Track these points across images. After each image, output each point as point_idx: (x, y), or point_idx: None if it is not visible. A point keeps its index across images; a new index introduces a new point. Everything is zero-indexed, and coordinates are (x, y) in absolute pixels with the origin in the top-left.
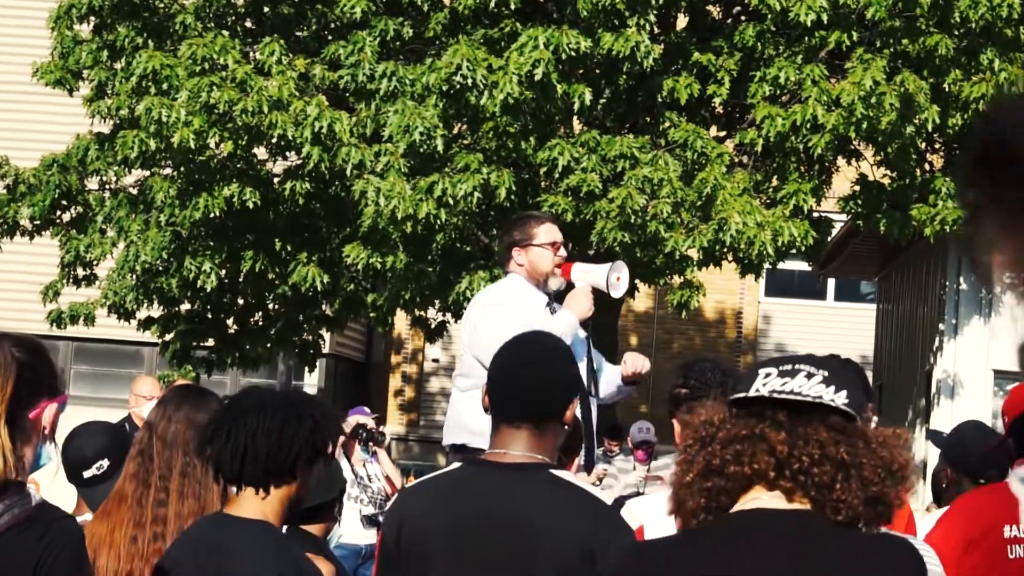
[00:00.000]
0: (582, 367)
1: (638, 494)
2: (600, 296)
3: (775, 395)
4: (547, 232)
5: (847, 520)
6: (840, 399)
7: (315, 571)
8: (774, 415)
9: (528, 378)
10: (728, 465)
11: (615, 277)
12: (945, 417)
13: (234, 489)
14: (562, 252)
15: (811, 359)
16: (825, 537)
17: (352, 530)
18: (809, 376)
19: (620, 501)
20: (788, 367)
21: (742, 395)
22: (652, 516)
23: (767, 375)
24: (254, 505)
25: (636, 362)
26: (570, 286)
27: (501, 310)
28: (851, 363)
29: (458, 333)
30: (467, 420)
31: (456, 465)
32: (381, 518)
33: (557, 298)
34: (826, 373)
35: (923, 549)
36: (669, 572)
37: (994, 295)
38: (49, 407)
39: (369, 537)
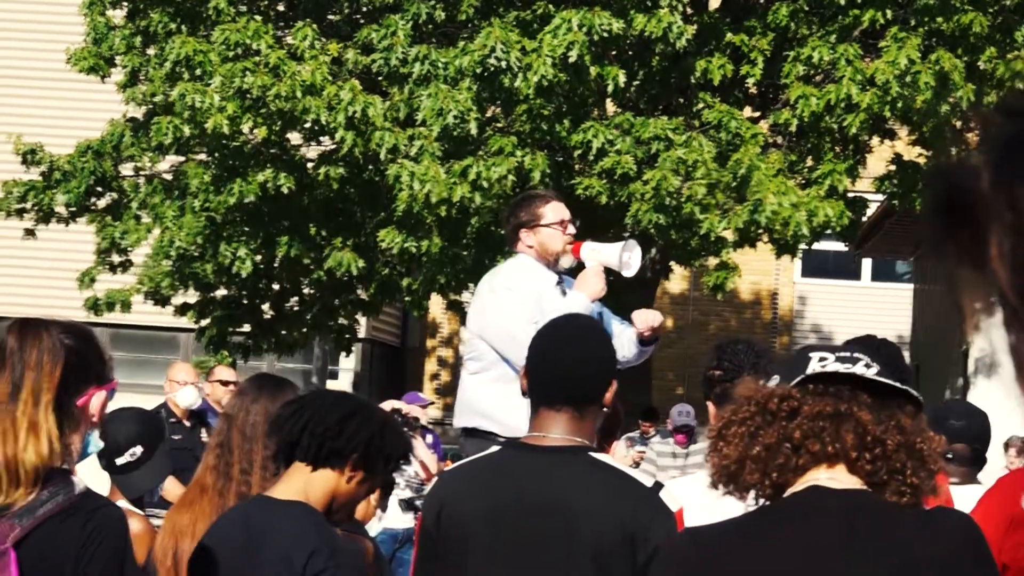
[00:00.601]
0: None
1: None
2: (635, 277)
3: (865, 376)
4: (555, 210)
5: (910, 504)
6: (913, 390)
7: (350, 550)
8: (856, 395)
9: (568, 361)
10: (809, 440)
11: (627, 256)
12: (983, 396)
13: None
14: (571, 229)
15: (860, 349)
16: (883, 513)
17: (390, 515)
18: (868, 366)
19: (659, 484)
20: (846, 354)
21: (824, 370)
22: (692, 498)
23: (823, 359)
24: (296, 486)
25: (647, 318)
26: (580, 264)
27: (511, 294)
28: (888, 343)
29: None
30: (477, 403)
31: (495, 449)
32: (418, 501)
33: (569, 274)
34: (879, 367)
35: None
36: (728, 559)
37: None
38: (97, 395)
39: (407, 521)
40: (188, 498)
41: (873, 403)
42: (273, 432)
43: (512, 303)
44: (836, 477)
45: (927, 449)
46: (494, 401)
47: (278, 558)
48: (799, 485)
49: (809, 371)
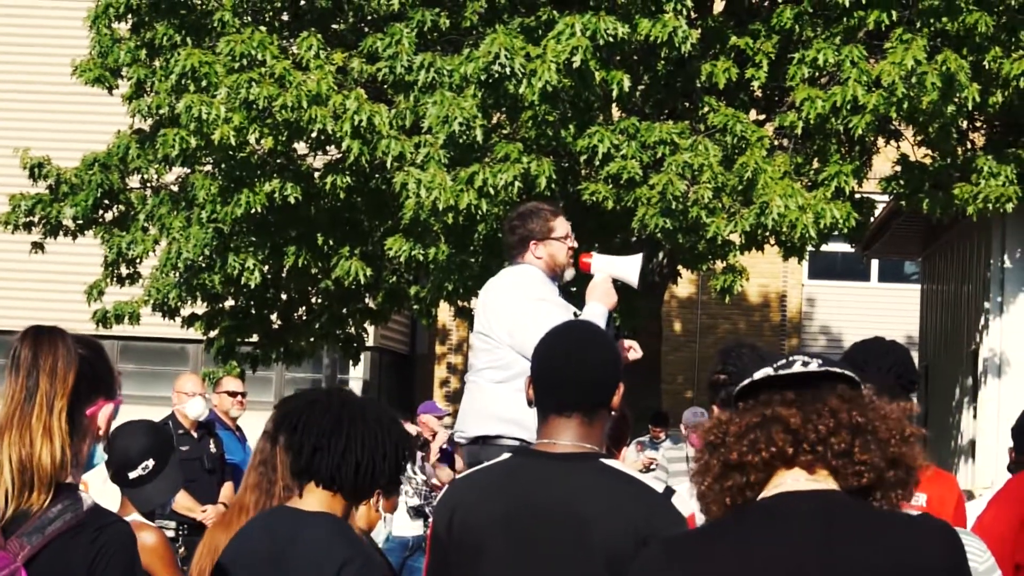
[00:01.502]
0: None
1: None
2: (644, 282)
3: (776, 375)
4: (562, 225)
5: (872, 483)
6: (841, 369)
7: (380, 561)
8: (782, 396)
9: (576, 367)
10: (745, 456)
11: (637, 269)
12: (992, 396)
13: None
14: (574, 244)
15: (804, 353)
16: (855, 514)
17: (399, 522)
18: (805, 364)
19: (670, 489)
20: (783, 361)
21: (743, 385)
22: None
23: (764, 373)
24: (322, 499)
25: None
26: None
27: (547, 306)
28: (896, 344)
29: None
30: (504, 411)
31: (507, 455)
32: (427, 509)
33: (564, 289)
34: (820, 360)
35: (965, 535)
36: (700, 563)
37: None
38: (105, 407)
39: (416, 528)
40: (227, 518)
41: (799, 398)
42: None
43: (551, 314)
44: (798, 478)
45: (868, 421)
46: (524, 409)
47: (309, 569)
48: (767, 492)
49: (735, 393)
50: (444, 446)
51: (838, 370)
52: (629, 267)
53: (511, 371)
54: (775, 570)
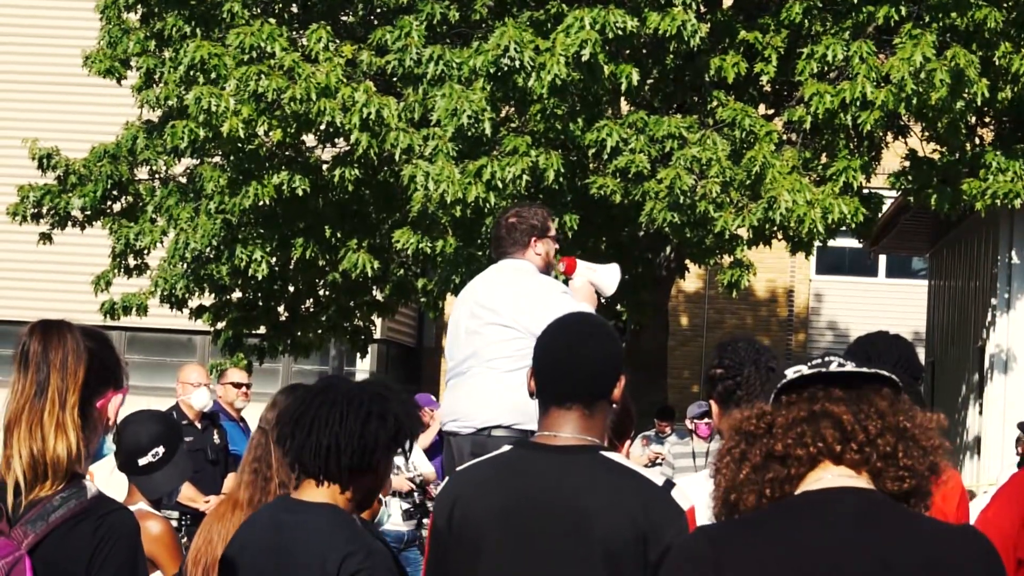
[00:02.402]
0: None
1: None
2: (651, 275)
3: (828, 371)
4: (554, 226)
5: (911, 489)
6: (886, 372)
7: (384, 552)
8: (829, 393)
9: (575, 358)
10: (793, 449)
11: (617, 278)
12: (999, 392)
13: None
14: (557, 244)
15: (834, 355)
16: (898, 516)
17: (394, 517)
18: (841, 364)
19: (671, 482)
20: (818, 360)
21: (792, 378)
22: (704, 497)
23: (797, 370)
24: (325, 492)
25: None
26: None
27: (571, 300)
28: (900, 339)
29: None
30: (519, 401)
31: (507, 448)
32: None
33: None
34: (855, 362)
35: None
36: (741, 553)
37: None
38: (115, 398)
39: (410, 524)
40: (221, 510)
41: (847, 396)
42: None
43: (577, 309)
44: (835, 475)
45: (913, 427)
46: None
47: (312, 560)
48: (808, 485)
49: (778, 386)
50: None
51: (885, 373)
52: (609, 276)
53: (528, 361)
54: (814, 563)
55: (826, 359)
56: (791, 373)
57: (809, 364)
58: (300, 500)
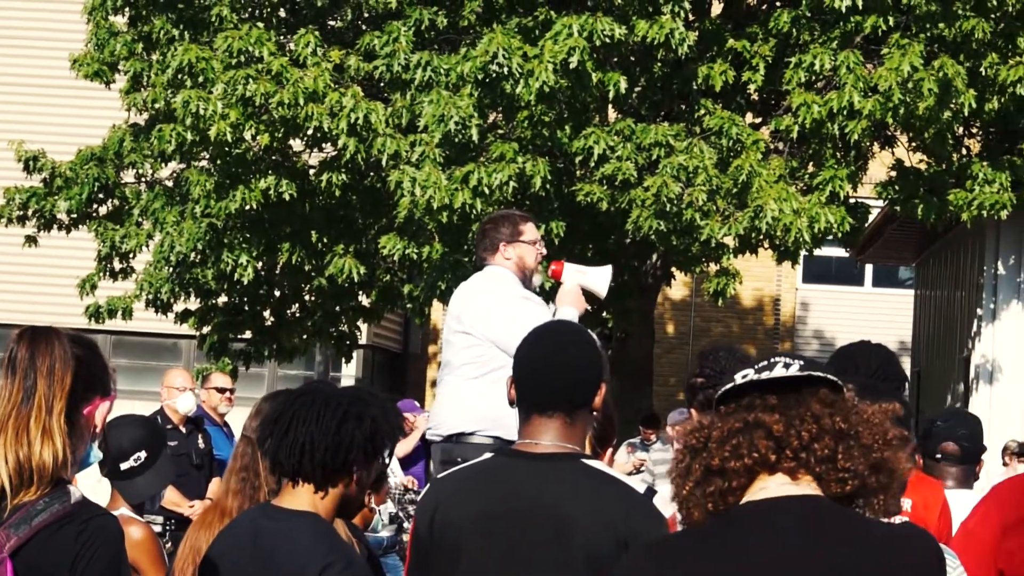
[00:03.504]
0: None
1: None
2: (637, 283)
3: (759, 379)
4: (531, 230)
5: (855, 490)
6: (823, 373)
7: (363, 564)
8: (764, 401)
9: (556, 367)
10: (728, 461)
11: (611, 283)
12: (984, 403)
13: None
14: (543, 250)
15: (785, 353)
16: (838, 521)
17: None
18: (787, 366)
19: (652, 490)
20: (764, 363)
21: (726, 388)
22: None
23: (744, 375)
24: (305, 498)
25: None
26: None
27: (530, 304)
28: (880, 347)
29: None
30: (481, 407)
31: (488, 455)
32: (400, 512)
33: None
34: (802, 361)
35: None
36: (684, 566)
37: None
38: (102, 405)
39: (390, 529)
40: (208, 518)
41: (781, 402)
42: (265, 452)
43: (534, 312)
44: (781, 483)
45: (851, 427)
46: (499, 405)
47: (292, 569)
48: (751, 496)
49: (716, 398)
50: (418, 443)
51: (820, 374)
52: (600, 278)
53: (488, 367)
54: (757, 574)
55: (772, 360)
56: (738, 378)
57: (756, 367)
58: (281, 507)
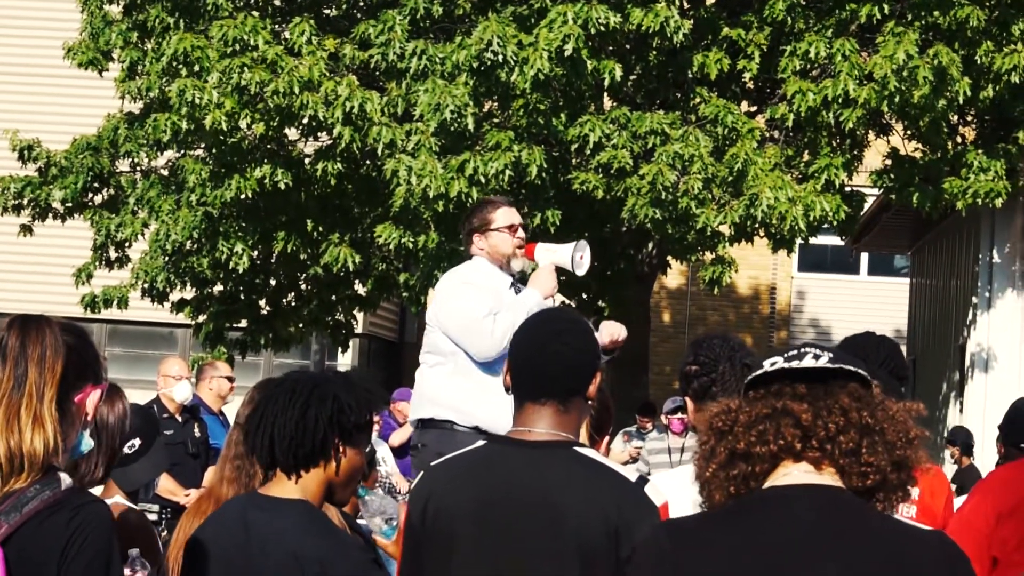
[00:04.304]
0: None
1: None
2: (633, 272)
3: (789, 368)
4: (504, 215)
5: (876, 485)
6: (854, 366)
7: (361, 545)
8: (793, 389)
9: (550, 354)
10: (754, 446)
11: (579, 256)
12: (979, 390)
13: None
14: (521, 234)
15: (814, 344)
16: (857, 514)
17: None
18: (816, 356)
19: (644, 478)
20: (794, 352)
21: (756, 374)
22: (677, 492)
23: (773, 363)
24: (291, 486)
25: (612, 330)
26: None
27: (470, 288)
28: (887, 339)
29: None
30: (436, 394)
31: (481, 443)
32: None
33: (521, 281)
34: (831, 354)
35: None
36: (702, 548)
37: None
38: (93, 393)
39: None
40: (203, 507)
41: (810, 392)
42: (245, 446)
43: (470, 296)
44: (801, 472)
45: (877, 423)
46: (453, 392)
47: (284, 560)
48: (774, 481)
49: (745, 383)
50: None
51: (851, 367)
52: (566, 253)
53: (440, 355)
54: (772, 561)
55: (803, 350)
56: (767, 365)
57: (785, 356)
58: (268, 496)
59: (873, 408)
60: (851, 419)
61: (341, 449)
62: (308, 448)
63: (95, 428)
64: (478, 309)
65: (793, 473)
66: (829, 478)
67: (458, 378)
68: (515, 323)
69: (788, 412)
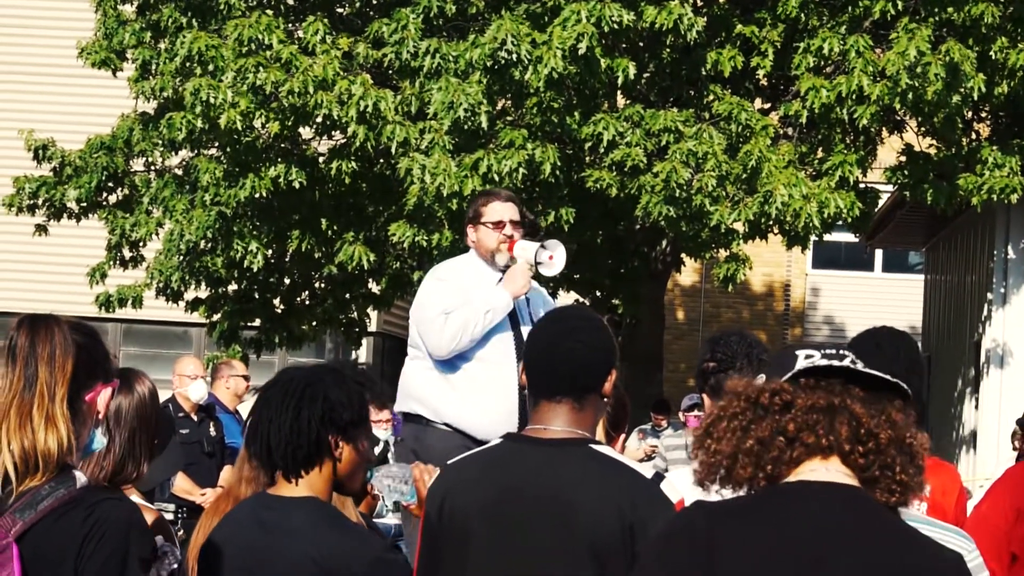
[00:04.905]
0: (509, 336)
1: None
2: (647, 269)
3: (856, 369)
4: (492, 210)
5: (897, 503)
6: (904, 383)
7: (377, 540)
8: (849, 389)
9: (565, 352)
10: (804, 433)
11: (547, 255)
12: (994, 387)
13: None
14: (508, 230)
15: (846, 349)
16: (885, 522)
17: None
18: (854, 362)
19: (659, 475)
20: (832, 351)
21: (812, 365)
22: (693, 489)
23: (809, 356)
24: (302, 485)
25: None
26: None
27: (440, 284)
28: (907, 335)
29: None
30: (412, 388)
31: (497, 441)
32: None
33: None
34: (864, 362)
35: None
36: (732, 533)
37: None
38: (104, 391)
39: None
40: (222, 506)
41: (865, 396)
42: (248, 448)
43: (433, 291)
44: (831, 470)
45: (915, 445)
46: (427, 387)
47: (300, 558)
48: (800, 475)
49: (799, 367)
50: None
51: (904, 385)
52: (531, 251)
53: (418, 347)
54: (800, 553)
55: (840, 352)
56: (803, 359)
57: (823, 353)
58: (279, 496)
59: (912, 428)
60: (897, 435)
61: (339, 446)
62: (305, 451)
63: (113, 423)
64: (433, 307)
65: (821, 469)
66: (851, 477)
67: (430, 373)
68: (468, 322)
69: (847, 410)
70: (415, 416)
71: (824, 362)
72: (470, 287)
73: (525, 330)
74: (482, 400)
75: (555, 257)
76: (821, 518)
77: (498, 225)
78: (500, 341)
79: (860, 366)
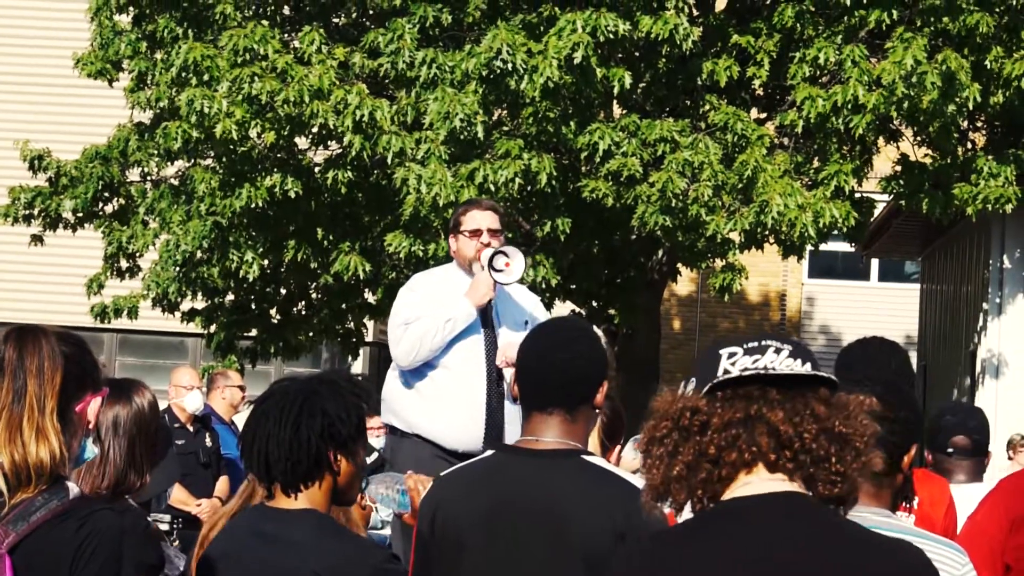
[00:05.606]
0: (478, 345)
1: None
2: (643, 279)
3: (768, 372)
4: (471, 219)
5: (843, 494)
6: (824, 371)
7: (378, 550)
8: (765, 394)
9: (557, 363)
10: (725, 452)
11: (503, 262)
12: (990, 397)
13: None
14: (485, 239)
15: (771, 336)
16: (828, 524)
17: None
18: (777, 351)
19: None
20: (754, 344)
21: (726, 377)
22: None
23: (732, 355)
24: (299, 499)
25: (506, 352)
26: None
27: (409, 295)
28: (895, 346)
29: None
30: (388, 398)
31: (490, 452)
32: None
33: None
34: (790, 347)
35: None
36: (674, 565)
37: None
38: (94, 401)
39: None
40: (231, 513)
41: (783, 396)
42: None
43: (399, 302)
44: (764, 479)
45: (848, 431)
46: (401, 398)
47: (302, 571)
48: (732, 492)
49: (718, 374)
50: None
51: (824, 374)
52: (485, 259)
53: (394, 357)
54: (747, 573)
55: (763, 344)
56: (725, 360)
57: (746, 348)
58: (278, 508)
59: (845, 415)
60: (824, 426)
61: (338, 460)
62: (304, 466)
63: (113, 434)
64: (397, 316)
65: (754, 481)
66: (795, 485)
67: (402, 383)
68: (427, 332)
69: (763, 419)
70: (391, 427)
71: (743, 363)
72: (444, 297)
73: (503, 334)
74: (448, 409)
75: (512, 264)
76: (765, 533)
77: (475, 233)
78: (468, 350)
79: (781, 357)
